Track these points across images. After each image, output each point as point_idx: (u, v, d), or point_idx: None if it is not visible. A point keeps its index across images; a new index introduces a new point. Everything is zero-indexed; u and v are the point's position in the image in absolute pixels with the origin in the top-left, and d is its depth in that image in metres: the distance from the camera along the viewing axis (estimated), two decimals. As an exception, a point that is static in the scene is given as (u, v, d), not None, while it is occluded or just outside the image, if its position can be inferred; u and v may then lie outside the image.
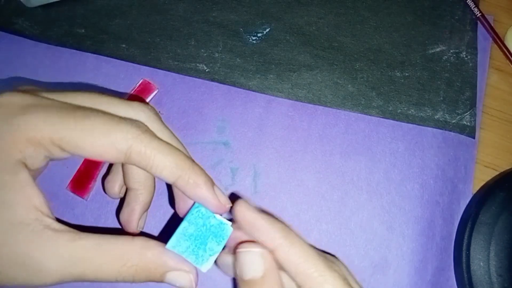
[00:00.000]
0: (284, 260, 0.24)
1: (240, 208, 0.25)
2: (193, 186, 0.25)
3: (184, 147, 0.28)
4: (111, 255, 0.23)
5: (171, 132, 0.28)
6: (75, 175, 0.36)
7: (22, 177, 0.23)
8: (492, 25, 0.42)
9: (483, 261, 0.34)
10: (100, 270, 0.23)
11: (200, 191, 0.25)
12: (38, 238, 0.22)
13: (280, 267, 0.25)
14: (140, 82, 0.39)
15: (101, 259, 0.23)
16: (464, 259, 0.34)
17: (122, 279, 0.23)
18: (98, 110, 0.25)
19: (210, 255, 0.25)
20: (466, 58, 0.41)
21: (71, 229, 0.23)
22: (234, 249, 0.26)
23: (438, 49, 0.41)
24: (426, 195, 0.36)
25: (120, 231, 0.28)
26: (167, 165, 0.25)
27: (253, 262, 0.24)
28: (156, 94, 0.39)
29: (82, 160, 0.36)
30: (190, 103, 0.38)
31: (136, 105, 0.27)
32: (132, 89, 0.38)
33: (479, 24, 0.42)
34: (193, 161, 0.26)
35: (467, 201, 0.37)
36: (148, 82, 0.39)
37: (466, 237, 0.34)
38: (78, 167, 0.36)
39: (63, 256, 0.22)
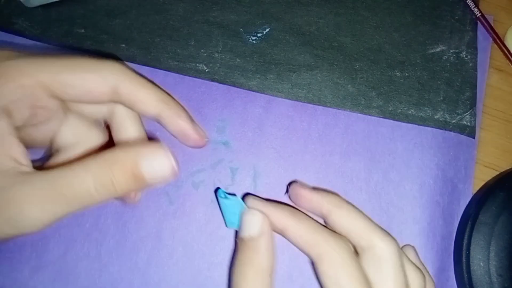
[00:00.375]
0: (294, 235, 0.28)
1: (248, 199, 0.30)
2: (175, 118, 0.28)
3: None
4: (92, 185, 0.22)
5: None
6: None
7: (2, 124, 0.22)
8: (492, 25, 0.42)
9: (483, 261, 0.34)
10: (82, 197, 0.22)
11: (182, 123, 0.28)
12: (14, 185, 0.22)
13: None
14: None
15: (82, 191, 0.22)
16: (464, 259, 0.34)
17: (104, 196, 0.23)
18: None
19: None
20: (466, 58, 0.41)
21: (44, 170, 0.23)
22: None
23: (438, 49, 0.41)
24: (426, 195, 0.36)
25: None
26: (152, 98, 0.27)
27: (252, 222, 0.28)
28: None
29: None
30: (190, 103, 0.38)
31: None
32: None
33: (479, 24, 0.42)
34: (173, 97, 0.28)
35: (467, 201, 0.37)
36: None
37: (466, 237, 0.34)
38: None
39: (43, 197, 0.22)
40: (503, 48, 0.41)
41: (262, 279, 0.27)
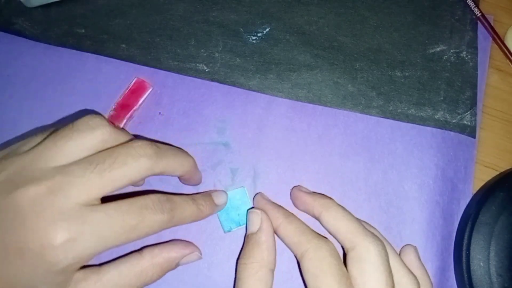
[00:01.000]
0: (284, 235, 0.32)
1: (257, 197, 0.35)
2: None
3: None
4: (133, 276, 0.29)
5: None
6: None
7: None
8: (492, 25, 0.42)
9: (483, 261, 0.34)
10: None
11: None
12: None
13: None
14: (134, 81, 0.39)
15: (127, 283, 0.29)
16: (464, 259, 0.34)
17: (148, 283, 0.30)
18: None
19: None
20: (466, 58, 0.41)
21: (94, 270, 0.28)
22: None
23: (438, 49, 0.41)
24: (425, 195, 0.36)
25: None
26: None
27: (252, 219, 0.32)
28: (151, 92, 0.39)
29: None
30: (190, 104, 0.38)
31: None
32: (126, 88, 0.38)
33: (479, 24, 0.42)
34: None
35: (467, 201, 0.37)
36: (142, 80, 0.39)
37: (466, 237, 0.34)
38: None
39: None
40: (503, 48, 0.41)
41: (262, 271, 0.29)
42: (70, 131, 0.27)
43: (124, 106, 0.38)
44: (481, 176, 0.38)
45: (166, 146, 0.30)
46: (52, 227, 0.24)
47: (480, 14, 0.42)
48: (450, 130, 0.38)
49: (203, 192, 0.35)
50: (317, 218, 0.32)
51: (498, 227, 0.34)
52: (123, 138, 0.29)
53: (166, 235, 0.34)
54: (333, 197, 0.36)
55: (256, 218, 0.32)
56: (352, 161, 0.37)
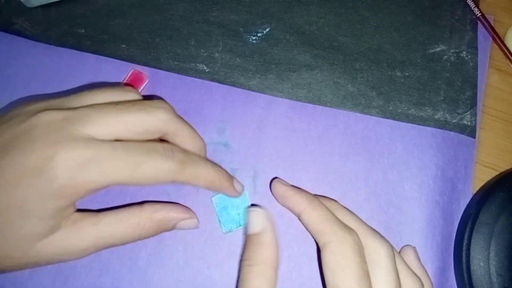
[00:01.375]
0: (307, 221, 0.30)
1: (275, 184, 0.34)
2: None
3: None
4: (130, 225, 0.29)
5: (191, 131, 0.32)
6: None
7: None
8: (492, 25, 0.42)
9: (483, 261, 0.34)
10: (123, 238, 0.28)
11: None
12: (69, 229, 0.27)
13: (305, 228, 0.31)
14: (130, 72, 0.39)
15: (122, 231, 0.28)
16: (464, 259, 0.34)
17: (142, 238, 0.29)
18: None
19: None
20: (466, 58, 0.41)
21: (92, 213, 0.28)
22: None
23: (438, 49, 0.41)
24: (425, 195, 0.36)
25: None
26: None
27: (254, 219, 0.31)
28: (147, 83, 0.39)
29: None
30: (190, 104, 0.38)
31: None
32: (123, 79, 0.39)
33: (479, 24, 0.42)
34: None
35: (467, 201, 0.37)
36: (139, 71, 0.39)
37: (466, 237, 0.34)
38: None
39: (91, 237, 0.27)
40: (503, 48, 0.41)
41: (266, 272, 0.28)
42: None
43: None
44: (481, 176, 0.38)
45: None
46: (58, 145, 0.25)
47: (480, 14, 0.42)
48: (450, 130, 0.38)
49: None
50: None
51: (498, 227, 0.34)
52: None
53: (165, 236, 0.34)
54: (333, 197, 0.36)
55: (259, 218, 0.31)
56: (352, 161, 0.37)
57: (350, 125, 0.38)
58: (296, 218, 0.35)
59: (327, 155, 0.37)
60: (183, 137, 0.30)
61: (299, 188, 0.33)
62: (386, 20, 0.42)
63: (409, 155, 0.38)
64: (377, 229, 0.34)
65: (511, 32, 0.41)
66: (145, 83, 0.39)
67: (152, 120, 0.28)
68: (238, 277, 0.30)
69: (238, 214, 0.35)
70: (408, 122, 0.38)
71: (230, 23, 0.41)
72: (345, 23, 0.42)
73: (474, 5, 0.42)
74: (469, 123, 0.38)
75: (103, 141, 0.26)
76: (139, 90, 0.38)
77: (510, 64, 0.41)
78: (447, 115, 0.39)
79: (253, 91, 0.39)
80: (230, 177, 0.33)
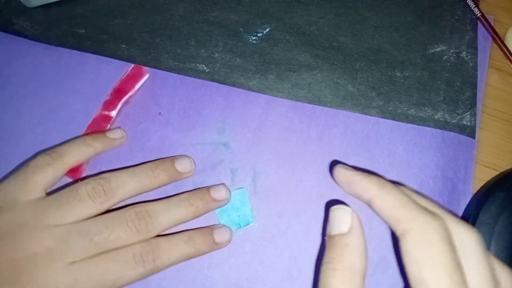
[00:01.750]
0: (380, 207, 0.26)
1: (338, 170, 0.29)
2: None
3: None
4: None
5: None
6: None
7: None
8: (492, 25, 0.42)
9: (483, 261, 0.34)
10: None
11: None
12: None
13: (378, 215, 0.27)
14: (131, 67, 0.39)
15: None
16: (464, 259, 0.34)
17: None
18: None
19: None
20: (466, 58, 0.41)
21: None
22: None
23: (438, 49, 0.41)
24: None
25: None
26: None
27: (342, 218, 0.26)
28: (148, 78, 0.39)
29: (72, 135, 0.37)
30: (190, 104, 0.38)
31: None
32: (124, 74, 0.39)
33: (479, 24, 0.42)
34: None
35: (467, 201, 0.37)
36: (140, 66, 0.39)
37: (466, 237, 0.34)
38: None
39: None
40: (503, 48, 0.41)
41: (353, 279, 0.24)
42: (72, 198, 0.30)
43: (120, 91, 0.38)
44: (481, 176, 0.38)
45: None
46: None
47: (480, 14, 0.42)
48: (450, 130, 0.38)
49: (205, 227, 0.34)
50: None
51: (498, 227, 0.34)
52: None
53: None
54: (333, 197, 0.36)
55: (346, 216, 0.26)
56: (352, 161, 0.37)
57: (350, 125, 0.38)
58: (297, 217, 0.35)
59: (327, 155, 0.37)
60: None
61: (367, 172, 0.29)
62: (386, 20, 0.42)
63: (409, 155, 0.38)
64: (378, 229, 0.34)
65: (511, 32, 0.41)
66: (145, 78, 0.39)
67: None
68: (318, 282, 0.26)
69: (238, 216, 0.35)
70: (408, 122, 0.38)
71: (230, 23, 0.41)
72: (345, 23, 0.42)
73: (474, 5, 0.42)
74: (468, 123, 0.38)
75: (79, 264, 0.29)
76: (139, 85, 0.39)
77: (510, 64, 0.41)
78: (446, 115, 0.39)
79: (253, 91, 0.39)
80: (206, 236, 0.33)
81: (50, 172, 0.32)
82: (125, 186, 0.32)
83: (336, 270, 0.24)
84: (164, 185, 0.34)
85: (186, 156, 0.36)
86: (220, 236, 0.34)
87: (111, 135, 0.36)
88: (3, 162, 0.37)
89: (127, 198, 0.32)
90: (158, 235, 0.32)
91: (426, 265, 0.23)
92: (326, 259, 0.26)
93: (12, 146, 0.37)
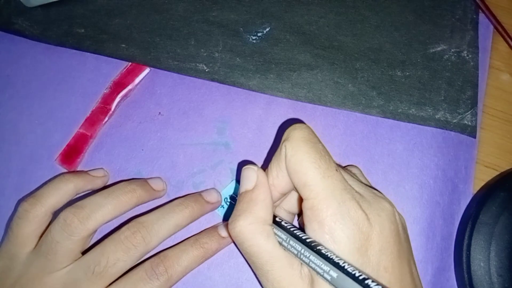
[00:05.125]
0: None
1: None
2: None
3: None
4: None
5: None
6: (64, 149, 0.37)
7: None
8: (493, 13, 0.41)
9: (484, 261, 0.33)
10: None
11: None
12: None
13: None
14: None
15: None
16: (464, 259, 0.34)
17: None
18: None
19: None
20: (467, 57, 0.41)
21: None
22: None
23: (439, 48, 0.41)
24: (426, 195, 0.36)
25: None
26: None
27: (248, 176, 0.28)
28: (148, 73, 0.39)
29: (72, 134, 0.38)
30: (190, 104, 0.38)
31: None
32: (124, 68, 0.39)
33: (480, 24, 0.42)
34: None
35: (468, 201, 0.37)
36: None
37: (466, 237, 0.34)
38: (67, 141, 0.37)
39: None
40: (505, 35, 0.41)
41: (266, 228, 0.26)
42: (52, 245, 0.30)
43: (120, 84, 0.38)
44: (482, 176, 0.38)
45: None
46: None
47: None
48: (451, 130, 0.38)
49: (209, 227, 0.35)
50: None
51: (499, 227, 0.34)
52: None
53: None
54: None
55: (252, 175, 0.28)
56: (352, 162, 0.37)
57: (350, 125, 0.38)
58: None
59: (327, 155, 0.37)
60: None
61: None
62: (387, 20, 0.42)
63: (409, 155, 0.37)
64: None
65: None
66: (146, 72, 0.39)
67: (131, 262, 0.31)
68: (234, 243, 0.29)
69: None
70: (408, 122, 0.38)
71: (230, 23, 0.41)
72: (345, 23, 0.42)
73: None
74: (469, 123, 0.38)
75: None
76: (139, 79, 0.39)
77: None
78: (447, 115, 0.39)
79: (253, 91, 0.39)
80: (212, 235, 0.34)
81: (32, 219, 0.31)
82: (101, 209, 0.31)
83: (246, 226, 0.26)
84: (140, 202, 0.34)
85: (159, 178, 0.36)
86: (225, 230, 0.34)
87: (92, 173, 0.35)
88: (3, 162, 0.37)
89: (106, 221, 0.31)
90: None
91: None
92: (234, 212, 0.28)
93: (12, 146, 0.37)
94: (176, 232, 0.32)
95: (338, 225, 0.24)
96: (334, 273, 0.23)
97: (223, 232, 0.34)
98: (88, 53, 0.40)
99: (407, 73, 0.40)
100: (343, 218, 0.24)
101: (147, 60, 0.39)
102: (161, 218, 0.32)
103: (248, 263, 0.28)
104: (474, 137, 0.38)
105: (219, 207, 0.35)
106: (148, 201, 0.34)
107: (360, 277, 0.22)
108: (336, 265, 0.23)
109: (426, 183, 0.37)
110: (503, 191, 0.35)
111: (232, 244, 0.35)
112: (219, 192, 0.36)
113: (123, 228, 0.31)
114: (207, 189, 0.36)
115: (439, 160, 0.37)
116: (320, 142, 0.28)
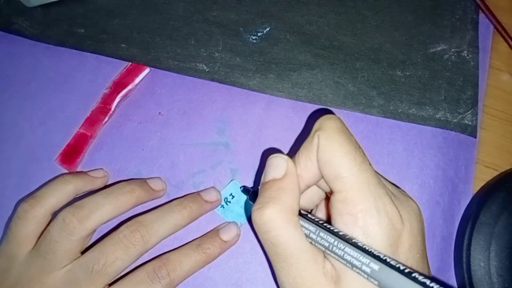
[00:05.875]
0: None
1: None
2: None
3: None
4: None
5: None
6: (64, 149, 0.37)
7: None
8: (493, 13, 0.41)
9: (484, 261, 0.33)
10: None
11: None
12: None
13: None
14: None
15: None
16: (464, 259, 0.34)
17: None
18: None
19: None
20: (467, 57, 0.41)
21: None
22: None
23: (439, 48, 0.41)
24: (426, 195, 0.36)
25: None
26: None
27: (277, 164, 0.27)
28: (148, 73, 0.39)
29: (72, 134, 0.37)
30: (190, 104, 0.38)
31: None
32: (124, 68, 0.39)
33: (480, 24, 0.42)
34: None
35: (468, 201, 0.37)
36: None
37: (466, 237, 0.34)
38: (68, 141, 0.37)
39: None
40: (505, 35, 0.41)
41: (294, 218, 0.25)
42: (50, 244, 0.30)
43: (120, 84, 0.38)
44: (482, 176, 0.38)
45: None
46: None
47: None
48: (451, 130, 0.38)
49: (211, 230, 0.35)
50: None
51: (499, 227, 0.34)
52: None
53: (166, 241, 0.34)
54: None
55: (282, 163, 0.27)
56: (352, 162, 0.37)
57: (350, 125, 0.37)
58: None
59: (327, 155, 0.37)
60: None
61: None
62: (387, 20, 0.42)
63: (409, 155, 0.37)
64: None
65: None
66: (146, 72, 0.39)
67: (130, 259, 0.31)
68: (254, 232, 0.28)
69: (241, 207, 0.36)
70: (409, 121, 0.38)
71: (230, 23, 0.41)
72: (345, 23, 0.42)
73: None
74: (470, 123, 0.38)
75: None
76: (139, 79, 0.39)
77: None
78: (448, 114, 0.39)
79: (253, 90, 0.39)
80: (214, 239, 0.34)
81: (31, 220, 0.31)
82: (100, 209, 0.31)
83: (275, 212, 0.25)
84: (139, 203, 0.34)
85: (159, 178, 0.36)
86: (227, 234, 0.34)
87: (92, 173, 0.35)
88: (3, 162, 0.37)
89: (105, 221, 0.31)
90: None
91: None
92: (261, 199, 0.26)
93: (12, 146, 0.37)
94: (175, 232, 0.32)
95: (374, 219, 0.23)
96: (376, 265, 0.21)
97: (225, 236, 0.34)
98: (88, 53, 0.40)
99: (407, 73, 0.40)
100: (379, 213, 0.23)
101: (147, 60, 0.39)
102: (160, 218, 0.32)
103: (266, 255, 0.26)
104: (475, 136, 0.38)
105: (219, 207, 0.35)
106: (148, 201, 0.34)
107: (406, 270, 0.21)
108: (376, 257, 0.22)
109: (426, 183, 0.37)
110: (503, 191, 0.35)
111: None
112: (218, 191, 0.36)
113: (122, 227, 0.31)
114: (206, 188, 0.36)
115: (439, 160, 0.37)
116: (353, 136, 0.27)
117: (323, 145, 0.25)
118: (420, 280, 0.20)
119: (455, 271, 0.35)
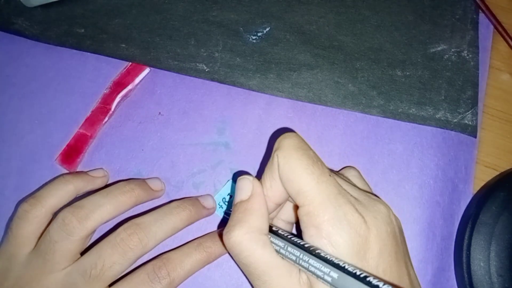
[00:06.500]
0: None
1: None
2: None
3: None
4: None
5: None
6: (64, 149, 0.37)
7: None
8: (493, 13, 0.41)
9: (484, 261, 0.33)
10: None
11: None
12: None
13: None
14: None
15: None
16: (464, 259, 0.34)
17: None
18: None
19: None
20: (467, 57, 0.41)
21: None
22: None
23: (439, 48, 0.41)
24: (426, 195, 0.36)
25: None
26: None
27: (243, 186, 0.28)
28: (148, 73, 0.39)
29: (72, 134, 0.37)
30: (190, 104, 0.38)
31: None
32: (124, 68, 0.39)
33: (480, 24, 0.42)
34: None
35: (468, 201, 0.37)
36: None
37: (466, 237, 0.34)
38: (68, 141, 0.37)
39: None
40: (505, 35, 0.41)
41: (262, 237, 0.26)
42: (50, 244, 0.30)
43: (120, 84, 0.38)
44: (482, 176, 0.38)
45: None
46: None
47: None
48: (451, 130, 0.38)
49: (212, 232, 0.35)
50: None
51: (499, 227, 0.34)
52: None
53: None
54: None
55: (248, 185, 0.28)
56: (352, 162, 0.37)
57: (350, 125, 0.38)
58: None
59: (327, 156, 0.37)
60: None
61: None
62: (387, 19, 0.42)
63: (409, 155, 0.37)
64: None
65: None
66: (146, 72, 0.39)
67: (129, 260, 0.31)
68: (229, 254, 0.28)
69: None
70: (409, 121, 0.38)
71: (230, 23, 0.41)
72: (345, 23, 0.42)
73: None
74: (470, 123, 0.38)
75: None
76: (139, 79, 0.39)
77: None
78: (448, 114, 0.39)
79: (253, 90, 0.39)
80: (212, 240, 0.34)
81: (32, 220, 0.31)
82: (99, 209, 0.31)
83: (244, 234, 0.26)
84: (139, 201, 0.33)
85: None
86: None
87: (92, 173, 0.35)
88: (3, 162, 0.37)
89: (104, 221, 0.31)
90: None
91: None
92: (229, 222, 0.27)
93: (12, 146, 0.37)
94: (173, 234, 0.32)
95: (336, 229, 0.24)
96: (335, 274, 0.23)
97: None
98: (88, 53, 0.40)
99: (408, 73, 0.40)
100: (340, 222, 0.24)
101: (147, 60, 0.39)
102: (159, 220, 0.31)
103: (245, 275, 0.28)
104: (475, 136, 0.38)
105: (218, 207, 0.35)
106: (147, 201, 0.34)
107: (361, 275, 0.22)
108: (336, 266, 0.23)
109: (426, 183, 0.37)
110: (503, 191, 0.35)
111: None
112: (214, 199, 0.36)
113: (119, 229, 0.30)
114: (203, 195, 0.36)
115: (439, 160, 0.37)
116: (311, 149, 0.27)
117: (282, 164, 0.26)
118: (373, 283, 0.21)
119: (455, 271, 0.35)
